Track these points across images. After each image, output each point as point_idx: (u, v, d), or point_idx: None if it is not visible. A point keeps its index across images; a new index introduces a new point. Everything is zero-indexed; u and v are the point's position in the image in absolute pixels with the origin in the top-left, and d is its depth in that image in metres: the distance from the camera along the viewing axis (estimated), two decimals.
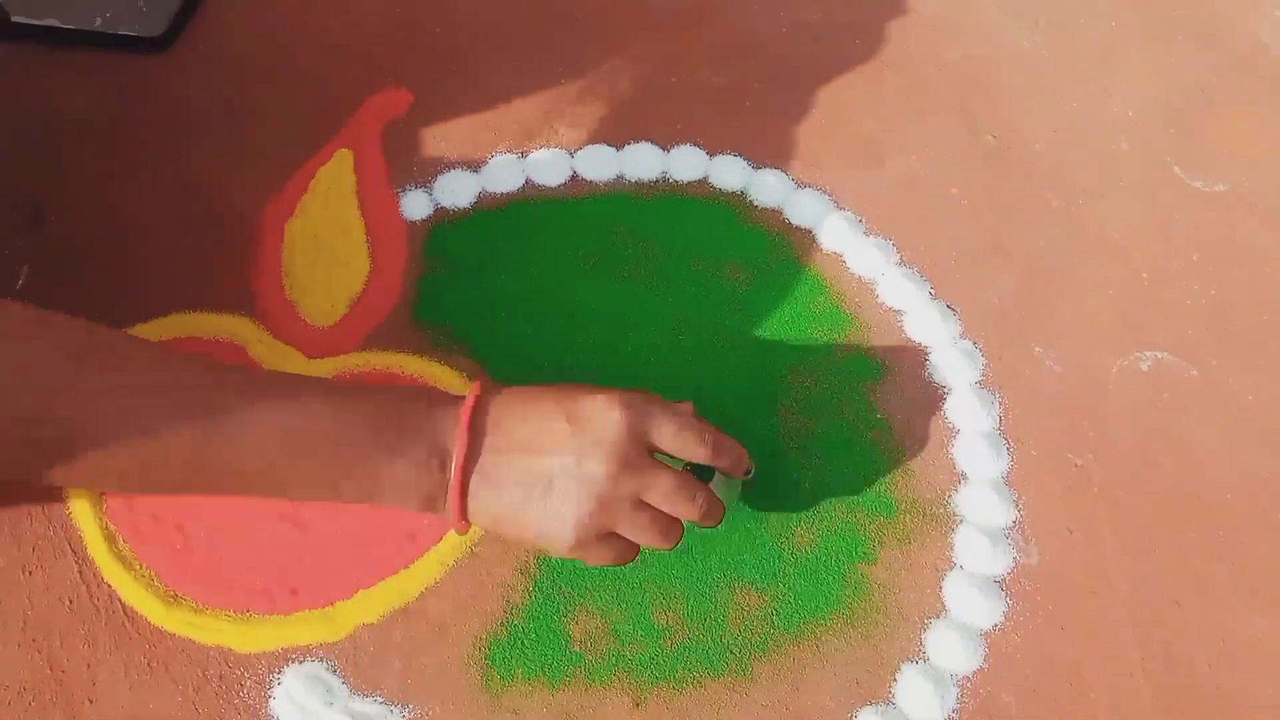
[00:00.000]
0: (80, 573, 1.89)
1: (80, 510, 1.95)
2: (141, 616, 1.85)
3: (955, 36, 2.78)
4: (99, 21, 2.67)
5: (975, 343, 2.19)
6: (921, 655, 1.83)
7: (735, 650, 1.81)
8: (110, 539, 1.93)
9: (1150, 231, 2.38)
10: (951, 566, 1.92)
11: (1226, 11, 2.86)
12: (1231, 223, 2.41)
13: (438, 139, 2.50)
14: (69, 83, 2.58)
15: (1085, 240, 2.37)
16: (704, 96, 2.61)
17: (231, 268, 2.28)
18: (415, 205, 2.39)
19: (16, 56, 2.59)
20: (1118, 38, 2.79)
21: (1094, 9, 2.86)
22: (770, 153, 2.49)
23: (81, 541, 1.92)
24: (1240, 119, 2.60)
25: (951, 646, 1.82)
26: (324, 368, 2.15)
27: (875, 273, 2.29)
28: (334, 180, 2.43)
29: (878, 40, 2.76)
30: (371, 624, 1.86)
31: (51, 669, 1.78)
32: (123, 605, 1.86)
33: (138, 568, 1.90)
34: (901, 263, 2.31)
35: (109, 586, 1.88)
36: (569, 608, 1.85)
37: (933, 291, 2.26)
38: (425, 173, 2.44)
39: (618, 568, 1.86)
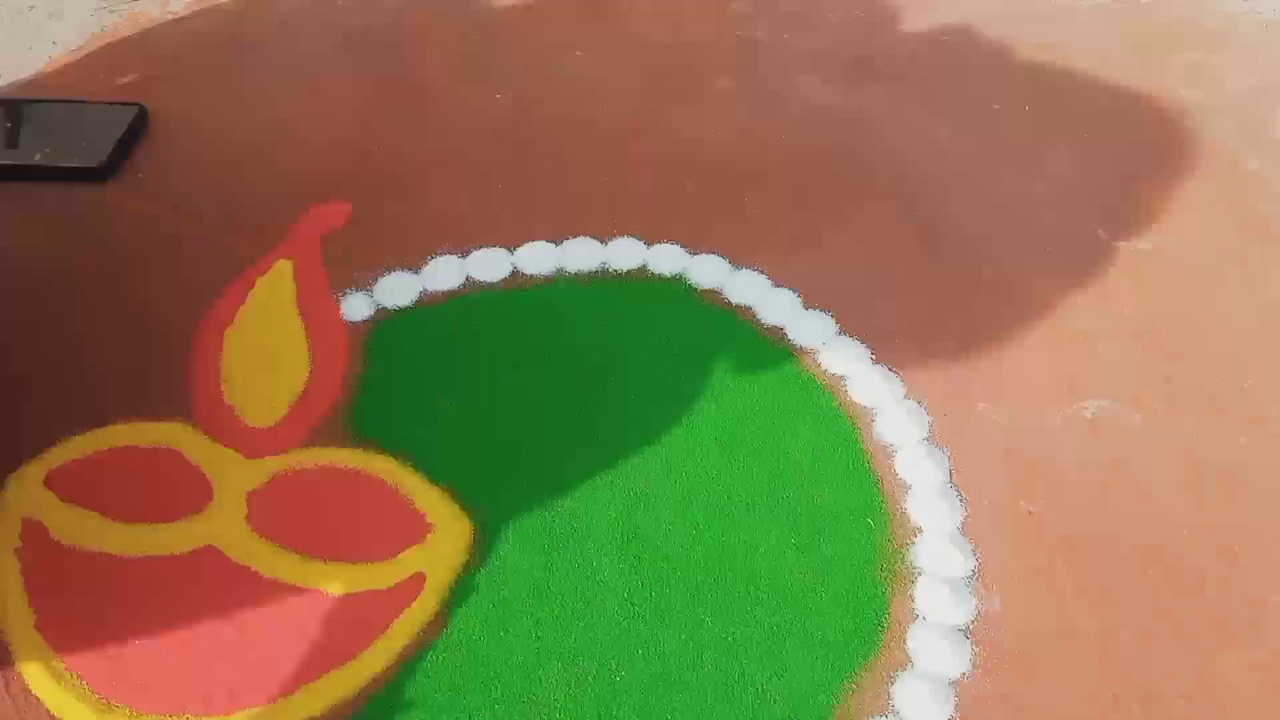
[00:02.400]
0: (6, 686, 1.80)
1: (9, 620, 1.88)
2: None
3: (879, 132, 2.88)
4: (38, 156, 2.72)
5: (920, 401, 2.20)
6: (890, 709, 1.77)
7: (704, 713, 1.76)
8: (41, 651, 1.85)
9: (1082, 291, 2.43)
10: (914, 618, 1.87)
11: (1134, 93, 2.99)
12: (1157, 277, 2.46)
13: (378, 245, 2.53)
14: (10, 216, 2.61)
15: (1020, 303, 2.41)
16: (640, 194, 2.67)
17: (169, 378, 2.25)
18: (356, 307, 2.39)
19: None
20: (1033, 122, 2.91)
21: (1007, 98, 2.99)
22: (706, 240, 2.53)
23: (10, 654, 1.84)
24: (1158, 184, 2.69)
25: (919, 698, 1.76)
26: (264, 467, 2.11)
27: (817, 342, 2.30)
28: (272, 290, 2.43)
29: (807, 140, 2.85)
30: (315, 717, 1.77)
31: None
32: (51, 717, 1.77)
33: (68, 678, 1.82)
34: (842, 332, 2.33)
35: (37, 699, 1.80)
36: None
37: (874, 356, 2.28)
38: (365, 277, 2.45)
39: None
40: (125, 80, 3.02)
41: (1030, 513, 2.02)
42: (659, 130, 2.86)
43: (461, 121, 2.89)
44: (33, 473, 2.09)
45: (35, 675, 1.82)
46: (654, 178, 2.71)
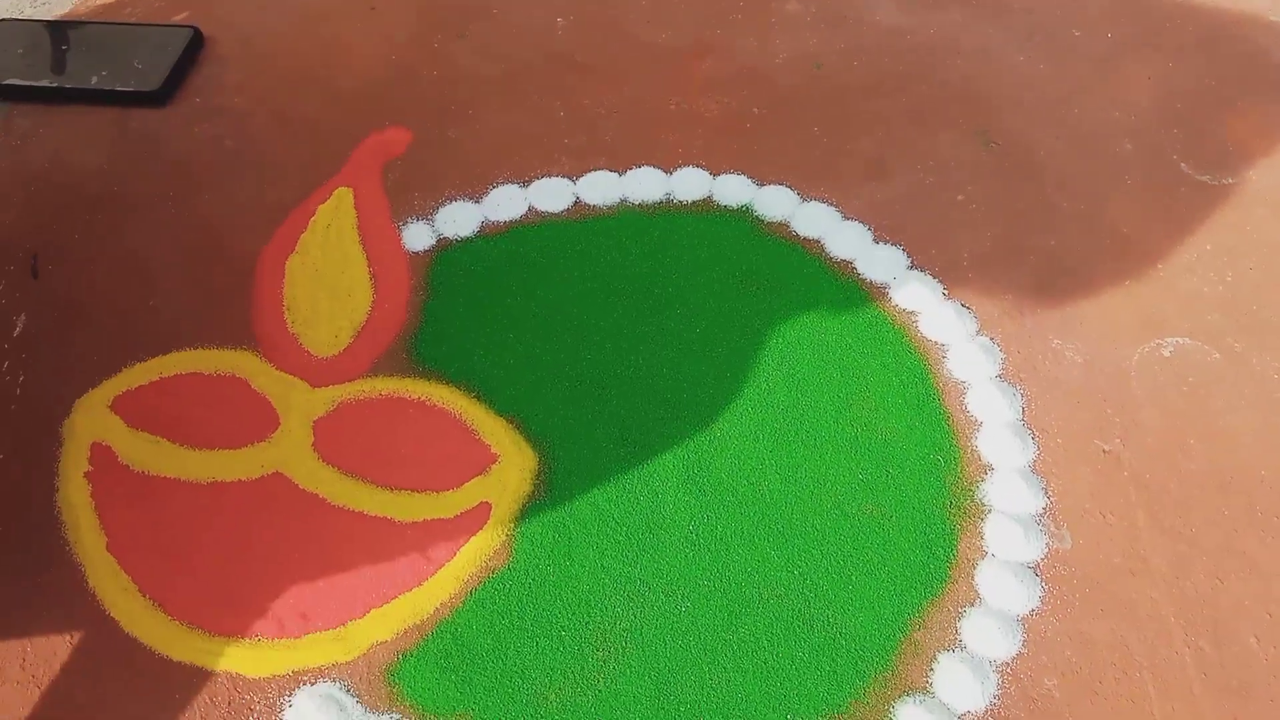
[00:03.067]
0: (81, 606, 1.83)
1: (81, 543, 1.90)
2: (145, 647, 1.78)
3: (953, 56, 2.79)
4: (94, 80, 2.70)
5: (993, 338, 2.15)
6: (958, 643, 1.75)
7: (769, 645, 1.77)
8: (112, 572, 1.88)
9: (1162, 225, 2.35)
10: (983, 555, 1.85)
11: (1222, 20, 2.87)
12: (1241, 213, 2.37)
13: (438, 173, 2.50)
14: (70, 139, 2.60)
15: (1097, 237, 2.34)
16: (705, 122, 2.61)
17: (233, 305, 2.25)
18: (418, 236, 2.37)
19: (17, 116, 2.61)
20: (1114, 49, 2.80)
21: (1087, 24, 2.88)
22: (774, 171, 2.47)
23: (82, 575, 1.87)
24: (1242, 117, 2.58)
25: (988, 633, 1.74)
26: (329, 395, 2.11)
27: (887, 277, 2.25)
28: (334, 217, 2.42)
29: (876, 64, 2.77)
30: (386, 641, 1.79)
31: (52, 705, 1.71)
32: (126, 636, 1.80)
33: (142, 599, 1.84)
34: (913, 267, 2.28)
35: (111, 619, 1.82)
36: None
37: (946, 292, 2.23)
38: (427, 206, 2.43)
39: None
40: (178, 0, 2.99)
41: (1105, 451, 1.97)
42: (725, 55, 2.79)
43: (521, 45, 2.84)
44: (99, 398, 2.11)
45: (109, 596, 1.85)
46: (720, 105, 2.65)
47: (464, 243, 2.36)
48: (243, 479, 1.99)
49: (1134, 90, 2.67)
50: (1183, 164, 2.48)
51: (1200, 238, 2.32)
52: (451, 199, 2.44)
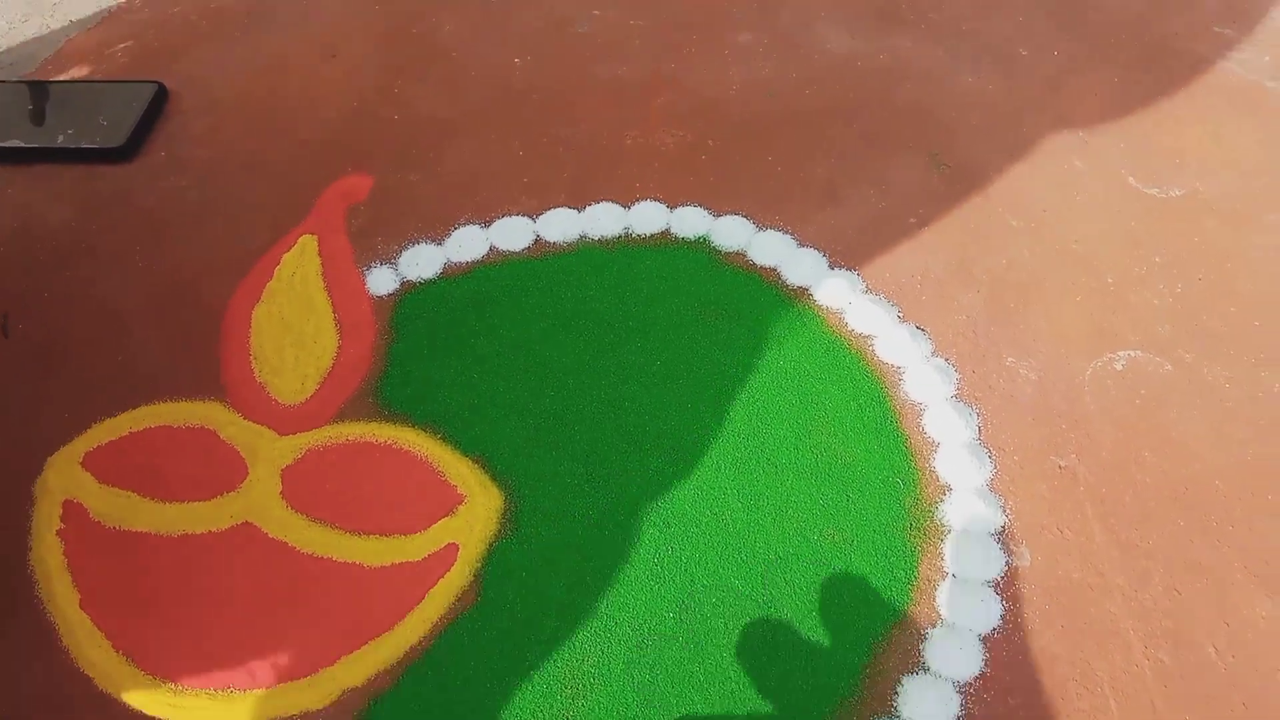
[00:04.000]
0: (55, 663, 1.85)
1: (54, 601, 1.92)
2: (119, 702, 1.80)
3: (904, 80, 2.83)
4: (60, 139, 2.74)
5: (947, 359, 2.18)
6: (921, 665, 1.78)
7: (735, 676, 1.78)
8: (86, 629, 1.89)
9: (1112, 239, 2.39)
10: (944, 575, 1.88)
11: (1165, 33, 2.93)
12: (1190, 224, 2.42)
13: (401, 217, 2.53)
14: (39, 197, 2.63)
15: (1048, 254, 2.37)
16: (662, 155, 2.65)
17: (200, 357, 2.28)
18: (381, 281, 2.40)
19: None
20: (1061, 66, 2.85)
21: (1034, 43, 2.93)
22: (730, 201, 2.51)
23: (55, 632, 1.89)
24: (1188, 129, 2.63)
25: (950, 654, 1.77)
26: (296, 443, 2.13)
27: (843, 302, 2.29)
28: (299, 265, 2.45)
29: (828, 91, 2.81)
30: (357, 687, 1.81)
31: None
32: (100, 693, 1.81)
33: (115, 656, 1.86)
34: (868, 291, 2.31)
35: (85, 676, 1.84)
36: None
37: (901, 315, 2.26)
38: (390, 249, 2.46)
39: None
40: (142, 57, 3.02)
41: (1061, 467, 2.01)
42: (680, 88, 2.83)
43: (481, 86, 2.88)
44: (70, 454, 2.13)
45: (82, 653, 1.87)
46: (675, 138, 2.69)
47: (427, 285, 2.39)
48: (213, 530, 2.01)
49: (1082, 106, 2.72)
50: (1130, 178, 2.52)
51: (1149, 250, 2.36)
52: (414, 242, 2.47)
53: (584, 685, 1.78)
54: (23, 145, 2.72)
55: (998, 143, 2.64)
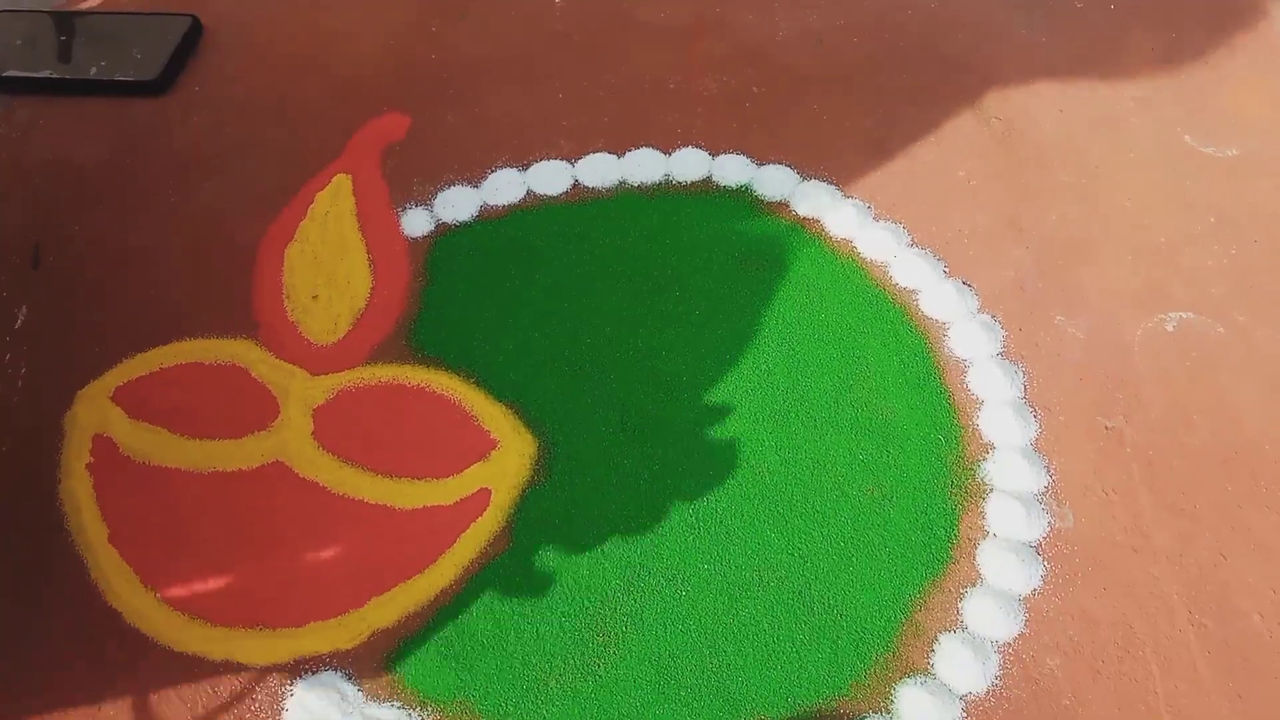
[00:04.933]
0: (83, 596, 1.84)
1: (84, 536, 1.91)
2: (147, 637, 1.79)
3: (954, 31, 2.76)
4: (94, 70, 2.70)
5: (994, 316, 2.13)
6: (959, 624, 1.75)
7: (770, 628, 1.76)
8: (115, 564, 1.88)
9: (1165, 199, 2.33)
10: (985, 534, 1.84)
11: None
12: (1245, 185, 2.34)
13: (436, 158, 2.49)
14: (70, 130, 2.60)
15: (1099, 212, 2.31)
16: (704, 102, 2.59)
17: (232, 295, 2.25)
18: (416, 222, 2.36)
19: (18, 108, 2.61)
20: (1117, 21, 2.76)
21: None
22: (773, 150, 2.46)
23: (85, 567, 1.88)
24: (1248, 88, 2.55)
25: (989, 613, 1.73)
26: (328, 383, 2.11)
27: (887, 255, 2.24)
28: (332, 204, 2.41)
29: (876, 40, 2.74)
30: (386, 628, 1.79)
31: (55, 694, 1.72)
32: (128, 627, 1.81)
33: (144, 590, 1.85)
34: (913, 244, 2.26)
35: (114, 610, 1.83)
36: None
37: (947, 270, 2.21)
38: (425, 191, 2.42)
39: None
40: None
41: (1107, 428, 1.96)
42: (724, 33, 2.77)
43: (520, 28, 2.82)
44: (100, 389, 2.12)
45: (111, 588, 1.86)
46: (719, 84, 2.63)
47: (463, 228, 2.35)
48: (243, 468, 1.99)
49: (1137, 62, 2.64)
50: (1186, 136, 2.45)
51: (1204, 211, 2.30)
52: (450, 184, 2.43)
53: (616, 632, 1.76)
54: (55, 76, 2.69)
55: (1050, 97, 2.56)
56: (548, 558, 1.85)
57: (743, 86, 2.63)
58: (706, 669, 1.72)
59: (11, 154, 2.55)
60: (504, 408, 2.05)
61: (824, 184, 2.38)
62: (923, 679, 1.69)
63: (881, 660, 1.71)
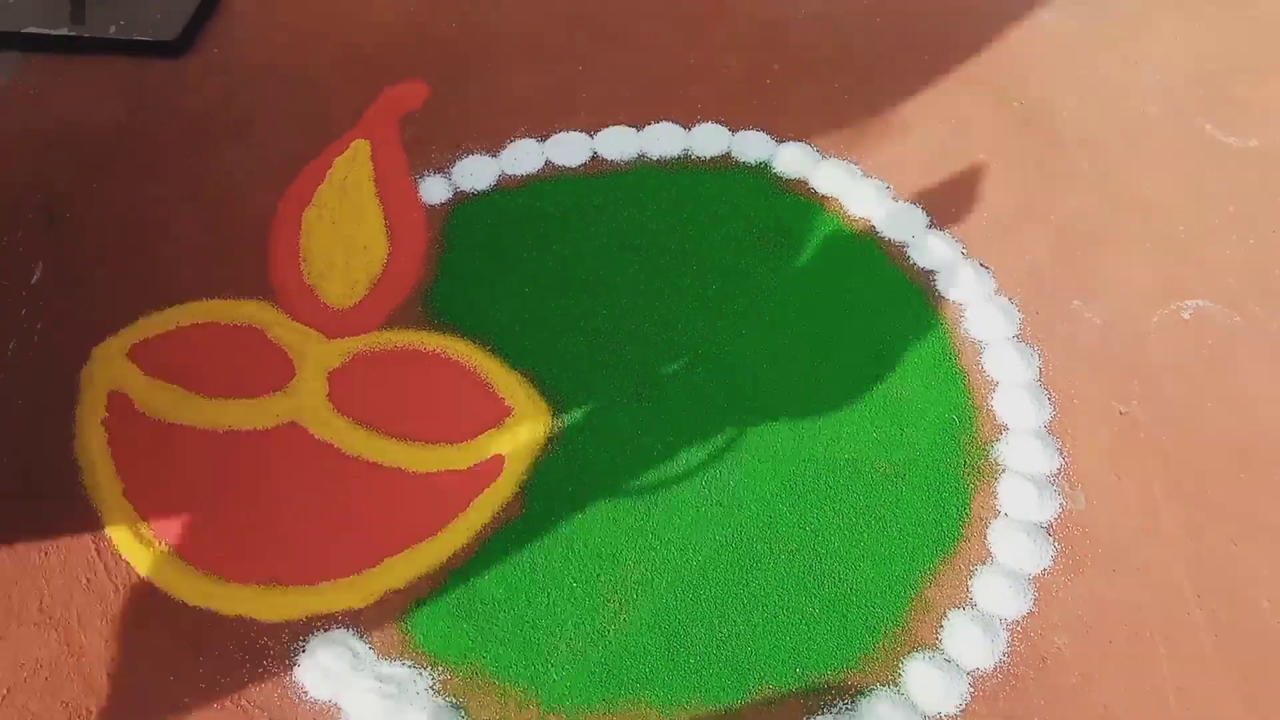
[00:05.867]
0: (97, 551, 1.84)
1: (99, 490, 1.91)
2: (161, 591, 1.80)
3: (978, 13, 2.75)
4: (113, 29, 2.69)
5: (1011, 299, 2.14)
6: (968, 601, 1.75)
7: (779, 599, 1.77)
8: (129, 518, 1.89)
9: (1185, 188, 2.33)
10: (997, 514, 1.85)
11: None
12: (1265, 176, 2.35)
13: (456, 127, 2.49)
14: (88, 89, 2.60)
15: (1119, 199, 2.31)
16: (725, 78, 2.59)
17: (249, 256, 2.26)
18: (434, 190, 2.37)
19: (35, 65, 2.61)
20: (1142, 9, 2.76)
21: None
22: (793, 128, 2.46)
23: (100, 521, 1.88)
24: (1270, 79, 2.55)
25: (999, 591, 1.74)
26: (344, 347, 2.11)
27: (906, 235, 2.24)
28: (350, 169, 2.41)
29: (899, 22, 2.74)
30: (399, 589, 1.80)
31: (69, 646, 1.73)
32: (142, 581, 1.82)
33: (158, 545, 1.86)
34: (932, 226, 2.26)
35: (128, 564, 1.84)
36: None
37: (965, 251, 2.22)
38: (443, 159, 2.42)
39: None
40: None
41: (1122, 413, 1.96)
42: (745, 10, 2.77)
43: (538, 1, 2.81)
44: (116, 346, 2.12)
45: (125, 541, 1.87)
46: (740, 61, 2.63)
47: (480, 196, 2.35)
48: (258, 428, 2.00)
49: (1160, 51, 2.64)
50: (1207, 126, 2.45)
51: (1223, 201, 2.30)
52: (468, 153, 2.43)
53: (628, 600, 1.76)
54: (74, 34, 2.68)
55: (1072, 83, 2.56)
56: (560, 524, 1.86)
57: (763, 64, 2.63)
58: (716, 638, 1.73)
59: (29, 111, 2.55)
60: (519, 375, 2.06)
61: (843, 163, 2.38)
62: (931, 654, 1.70)
63: (890, 634, 1.72)
